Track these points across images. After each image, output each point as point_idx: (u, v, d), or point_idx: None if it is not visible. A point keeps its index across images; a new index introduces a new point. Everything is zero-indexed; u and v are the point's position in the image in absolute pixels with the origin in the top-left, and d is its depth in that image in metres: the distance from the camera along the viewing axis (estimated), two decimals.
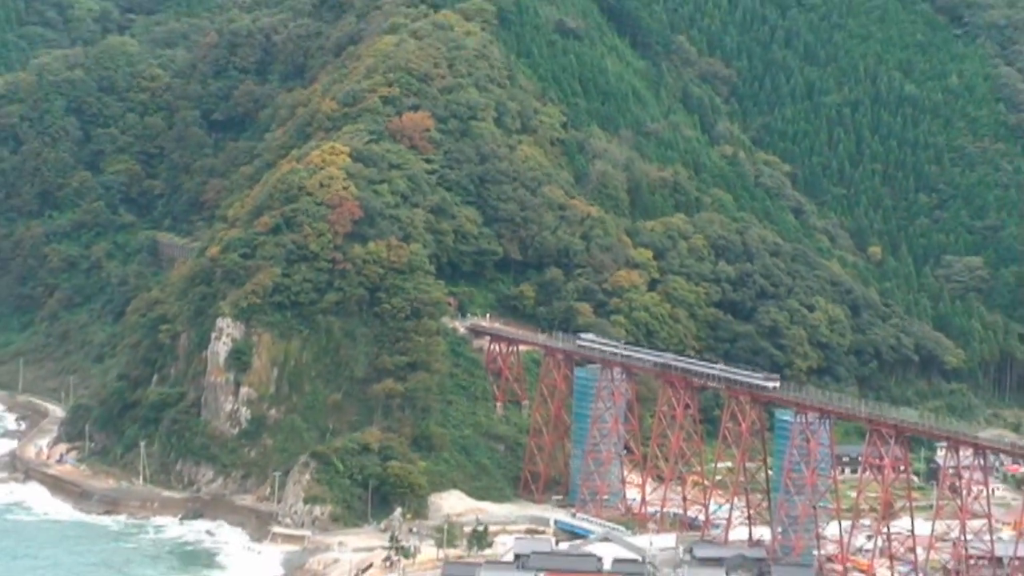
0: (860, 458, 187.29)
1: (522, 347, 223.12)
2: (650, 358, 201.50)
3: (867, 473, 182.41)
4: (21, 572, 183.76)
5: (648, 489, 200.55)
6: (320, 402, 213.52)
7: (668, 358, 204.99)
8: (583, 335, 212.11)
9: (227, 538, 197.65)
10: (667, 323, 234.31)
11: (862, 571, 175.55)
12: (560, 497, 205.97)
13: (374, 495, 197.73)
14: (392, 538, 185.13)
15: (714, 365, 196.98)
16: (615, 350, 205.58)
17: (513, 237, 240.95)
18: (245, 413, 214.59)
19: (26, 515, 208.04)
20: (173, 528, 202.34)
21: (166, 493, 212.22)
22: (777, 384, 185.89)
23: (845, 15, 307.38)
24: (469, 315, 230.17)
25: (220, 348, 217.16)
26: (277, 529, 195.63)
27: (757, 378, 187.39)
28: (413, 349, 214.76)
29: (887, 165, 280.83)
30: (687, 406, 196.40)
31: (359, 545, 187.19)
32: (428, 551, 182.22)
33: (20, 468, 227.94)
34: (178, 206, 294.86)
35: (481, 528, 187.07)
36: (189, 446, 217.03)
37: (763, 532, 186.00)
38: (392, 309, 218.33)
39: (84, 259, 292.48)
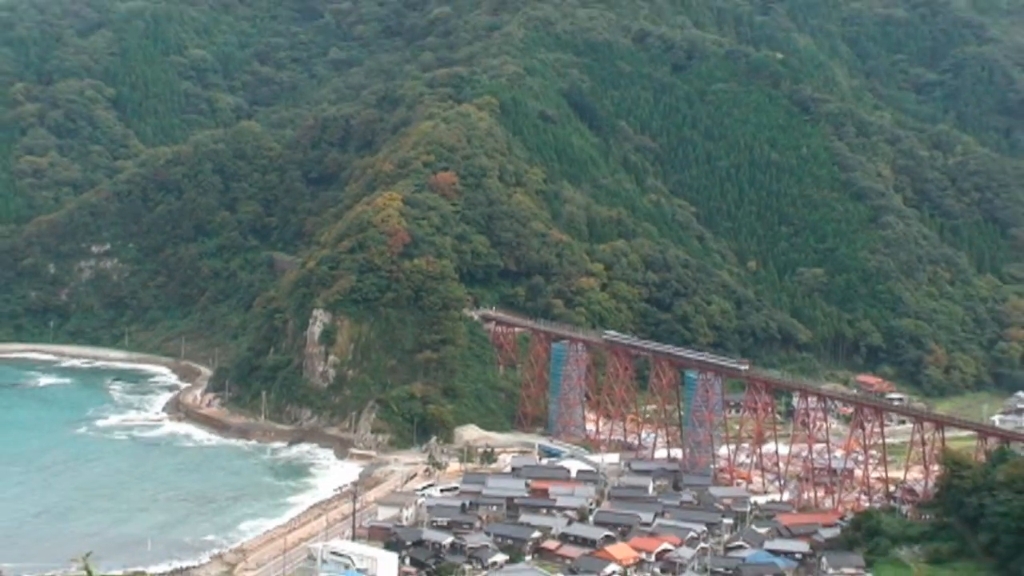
0: (741, 403, 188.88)
1: (517, 329, 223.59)
2: (658, 349, 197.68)
3: (746, 413, 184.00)
4: (190, 476, 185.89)
5: (600, 423, 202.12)
6: (382, 366, 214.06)
7: (619, 336, 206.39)
8: (608, 332, 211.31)
9: (320, 456, 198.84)
10: (613, 313, 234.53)
11: (743, 479, 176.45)
12: (542, 429, 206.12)
13: (418, 428, 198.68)
14: (430, 456, 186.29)
15: (701, 354, 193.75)
16: (630, 341, 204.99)
17: (511, 255, 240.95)
18: (331, 373, 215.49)
19: (187, 441, 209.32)
20: (284, 450, 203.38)
21: (279, 426, 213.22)
22: (747, 367, 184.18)
23: (731, 107, 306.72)
24: (481, 307, 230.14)
25: (315, 329, 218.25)
26: (354, 450, 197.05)
27: (732, 362, 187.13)
28: (444, 330, 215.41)
29: (760, 207, 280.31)
30: (627, 368, 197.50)
31: (408, 461, 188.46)
32: (454, 465, 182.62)
33: (181, 410, 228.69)
34: (287, 235, 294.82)
35: (489, 450, 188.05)
36: (294, 395, 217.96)
37: (677, 452, 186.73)
38: (430, 304, 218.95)
39: (224, 270, 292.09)
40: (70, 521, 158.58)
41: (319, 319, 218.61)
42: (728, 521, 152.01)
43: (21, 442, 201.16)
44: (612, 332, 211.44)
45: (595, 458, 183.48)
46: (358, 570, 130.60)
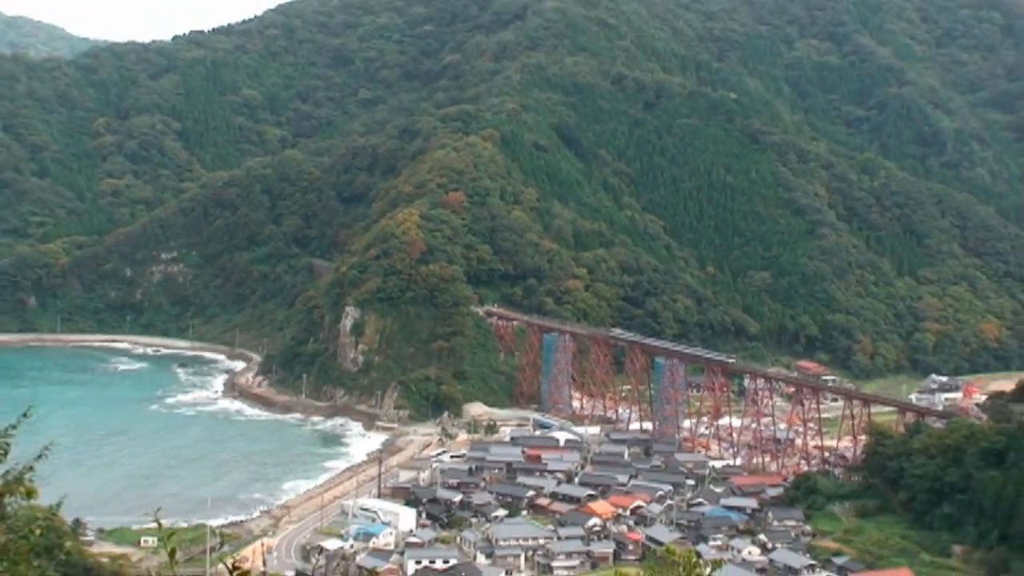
0: (702, 384, 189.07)
1: (515, 322, 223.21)
2: (669, 348, 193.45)
3: (705, 392, 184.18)
4: (246, 444, 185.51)
5: (584, 401, 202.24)
6: (403, 353, 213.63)
7: (602, 330, 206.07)
8: (614, 329, 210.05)
9: (351, 428, 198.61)
10: (595, 309, 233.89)
11: (703, 447, 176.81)
12: (536, 405, 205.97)
13: (432, 405, 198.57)
14: (442, 428, 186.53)
15: (694, 349, 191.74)
16: (629, 336, 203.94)
17: (510, 261, 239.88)
18: (361, 359, 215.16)
19: (240, 416, 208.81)
20: (321, 423, 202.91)
21: (317, 403, 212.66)
22: (734, 360, 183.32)
23: (693, 138, 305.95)
24: (485, 304, 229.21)
25: (347, 323, 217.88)
26: (379, 423, 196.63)
27: (722, 356, 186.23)
28: (454, 324, 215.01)
29: (717, 222, 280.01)
30: (606, 355, 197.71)
31: (424, 432, 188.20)
32: (462, 435, 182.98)
33: (236, 390, 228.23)
34: (324, 244, 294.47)
35: (492, 423, 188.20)
36: (330, 377, 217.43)
37: (648, 425, 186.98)
38: (442, 301, 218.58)
39: (271, 273, 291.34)
40: (150, 485, 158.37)
41: (350, 314, 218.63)
42: (690, 482, 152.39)
43: (108, 417, 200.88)
44: (617, 330, 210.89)
45: (580, 430, 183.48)
46: (383, 523, 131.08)
